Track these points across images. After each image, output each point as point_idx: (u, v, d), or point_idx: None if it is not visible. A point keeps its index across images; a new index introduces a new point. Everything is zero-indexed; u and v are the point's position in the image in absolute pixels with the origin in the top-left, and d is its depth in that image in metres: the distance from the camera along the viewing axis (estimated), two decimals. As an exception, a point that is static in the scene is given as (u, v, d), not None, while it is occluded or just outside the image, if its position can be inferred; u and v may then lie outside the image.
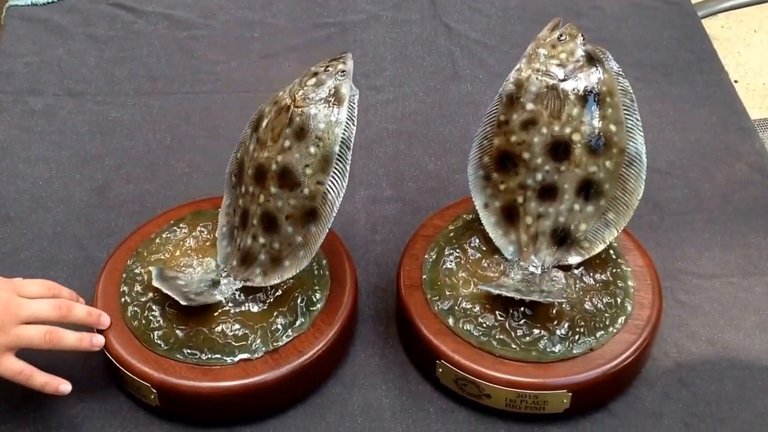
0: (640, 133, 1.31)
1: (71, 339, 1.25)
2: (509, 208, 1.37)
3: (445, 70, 1.88)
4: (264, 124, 1.30)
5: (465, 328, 1.31)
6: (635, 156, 1.31)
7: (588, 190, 1.33)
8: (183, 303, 1.27)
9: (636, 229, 1.45)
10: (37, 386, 1.24)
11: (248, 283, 1.32)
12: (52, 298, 1.28)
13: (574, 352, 1.28)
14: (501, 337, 1.30)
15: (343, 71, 1.28)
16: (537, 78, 1.32)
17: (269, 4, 2.01)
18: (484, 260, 1.38)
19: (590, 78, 1.32)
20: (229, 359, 1.28)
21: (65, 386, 1.25)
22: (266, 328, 1.30)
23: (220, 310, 1.31)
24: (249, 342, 1.29)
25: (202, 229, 1.42)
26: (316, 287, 1.36)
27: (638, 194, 1.32)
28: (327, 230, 1.27)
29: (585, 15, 1.99)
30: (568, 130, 1.32)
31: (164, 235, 1.42)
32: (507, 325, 1.30)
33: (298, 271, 1.30)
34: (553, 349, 1.28)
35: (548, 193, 1.34)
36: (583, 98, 1.31)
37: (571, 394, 1.26)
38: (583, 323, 1.30)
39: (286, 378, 1.27)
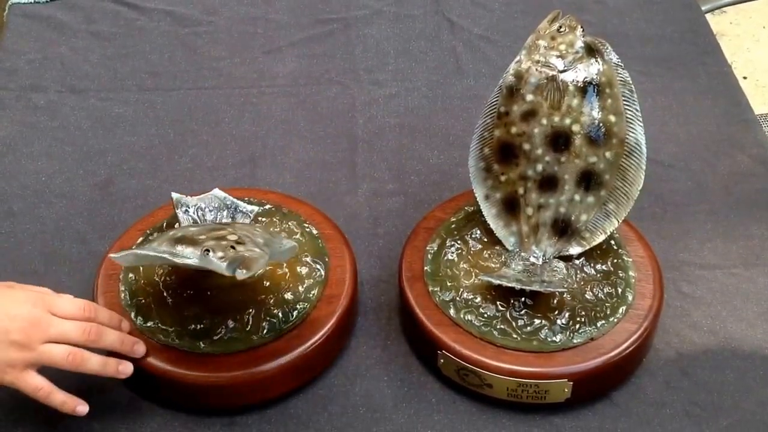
0: (640, 124, 1.32)
1: (95, 363, 1.23)
2: (510, 199, 1.37)
3: (447, 64, 1.88)
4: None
5: (466, 318, 1.31)
6: (635, 146, 1.32)
7: (588, 180, 1.33)
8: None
9: (638, 221, 1.45)
10: (55, 405, 1.23)
11: None
12: (86, 320, 1.24)
13: (575, 341, 1.28)
14: (502, 327, 1.30)
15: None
16: (537, 69, 1.33)
17: (271, 0, 2.02)
18: (485, 251, 1.39)
19: (590, 69, 1.32)
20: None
21: (82, 407, 1.24)
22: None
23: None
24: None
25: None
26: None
27: (638, 184, 1.33)
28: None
29: (588, 9, 1.99)
30: (568, 121, 1.32)
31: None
32: (508, 315, 1.31)
33: None
34: (554, 338, 1.28)
35: (549, 183, 1.35)
36: (583, 89, 1.32)
37: (572, 383, 1.26)
38: (583, 313, 1.30)
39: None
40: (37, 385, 1.21)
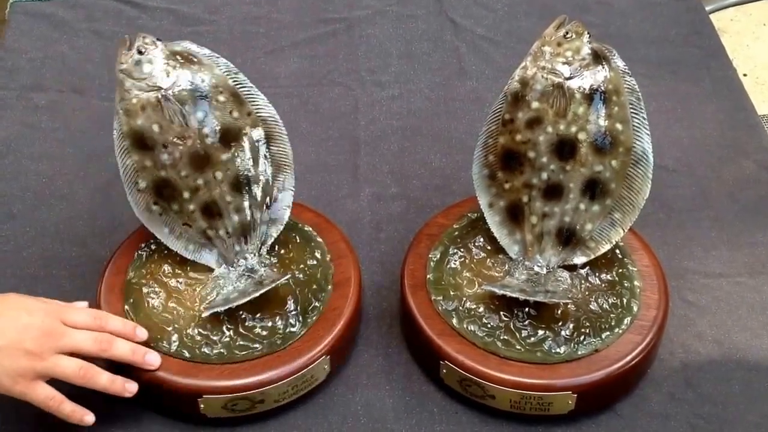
0: (647, 132, 1.30)
1: (104, 379, 1.23)
2: (514, 207, 1.36)
3: (450, 66, 1.87)
4: None
5: (469, 328, 1.30)
6: (641, 155, 1.30)
7: (594, 189, 1.32)
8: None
9: (642, 228, 1.43)
10: (64, 414, 1.23)
11: None
12: (98, 329, 1.25)
13: (579, 353, 1.27)
14: (505, 337, 1.29)
15: None
16: (542, 76, 1.31)
17: (274, 0, 2.01)
18: (488, 260, 1.38)
19: (596, 76, 1.30)
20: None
21: (89, 417, 1.24)
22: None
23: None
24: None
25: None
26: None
27: (644, 193, 1.31)
28: None
29: (592, 10, 1.98)
30: (573, 129, 1.31)
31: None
32: (511, 326, 1.30)
33: None
34: (558, 350, 1.27)
35: (553, 192, 1.33)
36: (589, 97, 1.30)
37: (576, 395, 1.25)
38: (588, 324, 1.29)
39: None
40: (48, 394, 1.21)
